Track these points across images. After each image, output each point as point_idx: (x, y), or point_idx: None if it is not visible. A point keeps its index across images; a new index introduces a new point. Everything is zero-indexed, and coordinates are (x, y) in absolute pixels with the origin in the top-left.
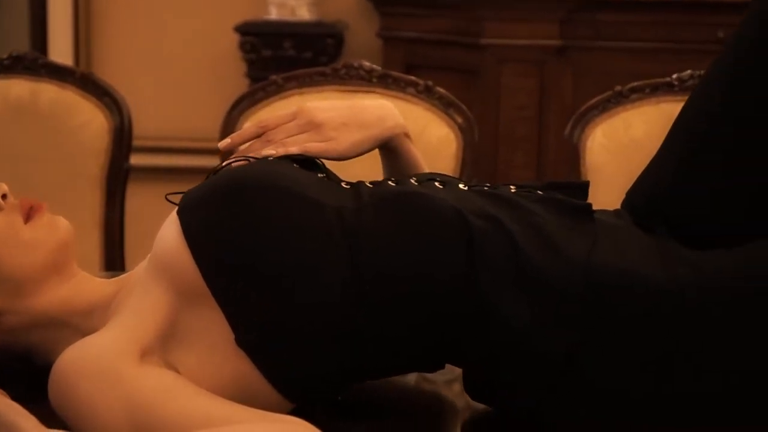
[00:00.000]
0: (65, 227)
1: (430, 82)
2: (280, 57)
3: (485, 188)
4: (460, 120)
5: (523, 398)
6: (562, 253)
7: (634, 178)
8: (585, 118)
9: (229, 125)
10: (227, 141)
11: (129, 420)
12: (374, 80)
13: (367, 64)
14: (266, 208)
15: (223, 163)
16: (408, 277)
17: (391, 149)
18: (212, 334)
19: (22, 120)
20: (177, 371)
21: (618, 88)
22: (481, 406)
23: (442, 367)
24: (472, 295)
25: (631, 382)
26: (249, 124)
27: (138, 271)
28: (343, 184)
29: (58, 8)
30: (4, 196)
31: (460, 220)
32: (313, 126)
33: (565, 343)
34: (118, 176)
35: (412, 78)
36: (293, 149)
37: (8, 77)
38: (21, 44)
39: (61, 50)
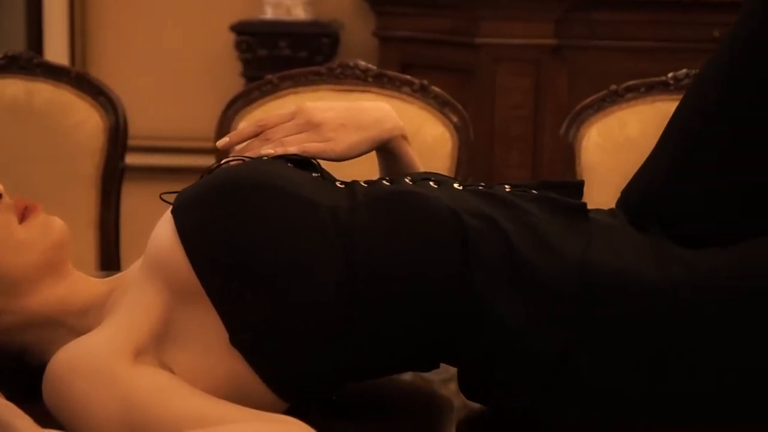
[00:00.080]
0: (60, 227)
1: (425, 82)
2: (276, 56)
3: (480, 188)
4: (455, 119)
5: (518, 397)
6: (557, 252)
7: (629, 178)
8: (580, 117)
9: (224, 125)
10: (225, 140)
11: (123, 420)
12: (369, 80)
13: (362, 63)
14: (261, 208)
15: (218, 163)
16: (402, 277)
17: (388, 151)
18: (206, 333)
19: (18, 120)
20: (171, 371)
21: (613, 87)
22: (476, 405)
23: (437, 367)
24: (466, 294)
25: (626, 382)
26: (245, 124)
27: (132, 270)
28: (337, 184)
29: (53, 8)
30: None
31: (454, 219)
32: (311, 126)
33: (560, 342)
34: (113, 176)
35: (408, 77)
36: (292, 149)
37: (3, 77)
38: (17, 44)
39: (56, 50)
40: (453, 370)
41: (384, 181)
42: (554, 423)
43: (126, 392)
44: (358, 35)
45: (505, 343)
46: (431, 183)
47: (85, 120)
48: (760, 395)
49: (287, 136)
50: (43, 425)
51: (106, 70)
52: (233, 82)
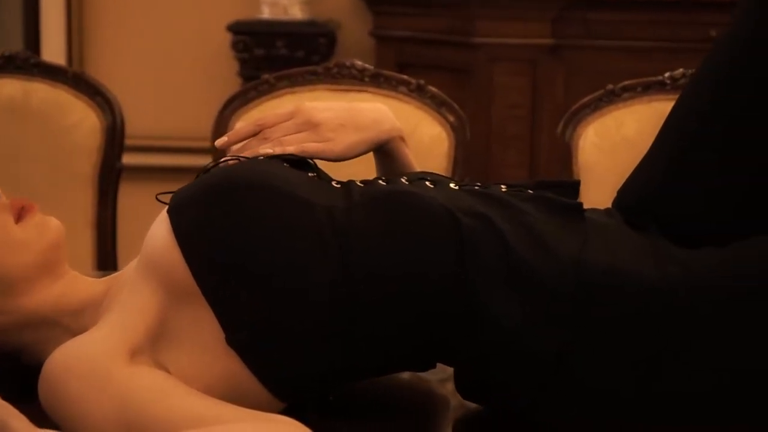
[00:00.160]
0: (56, 227)
1: (422, 81)
2: (273, 56)
3: (476, 187)
4: (452, 119)
5: (514, 397)
6: (553, 252)
7: (626, 177)
8: (577, 117)
9: (221, 124)
10: (224, 139)
11: (120, 420)
12: (366, 79)
13: (359, 63)
14: (257, 208)
15: (213, 162)
16: (398, 277)
17: (386, 152)
18: (202, 333)
19: (15, 119)
20: (167, 371)
21: (610, 86)
22: (473, 405)
23: (434, 366)
24: (462, 294)
25: (622, 381)
26: (242, 123)
27: (128, 270)
28: (333, 184)
29: (51, 8)
30: None
31: (450, 219)
32: (310, 126)
33: (556, 342)
34: (110, 175)
35: (404, 77)
36: (290, 148)
37: (0, 77)
38: (14, 44)
39: (53, 50)
40: (450, 370)
41: (380, 181)
42: (551, 423)
43: (122, 392)
44: (355, 35)
45: (501, 342)
46: (427, 183)
47: (82, 120)
48: (756, 395)
49: (286, 135)
50: (39, 425)
51: (103, 70)
52: (230, 82)
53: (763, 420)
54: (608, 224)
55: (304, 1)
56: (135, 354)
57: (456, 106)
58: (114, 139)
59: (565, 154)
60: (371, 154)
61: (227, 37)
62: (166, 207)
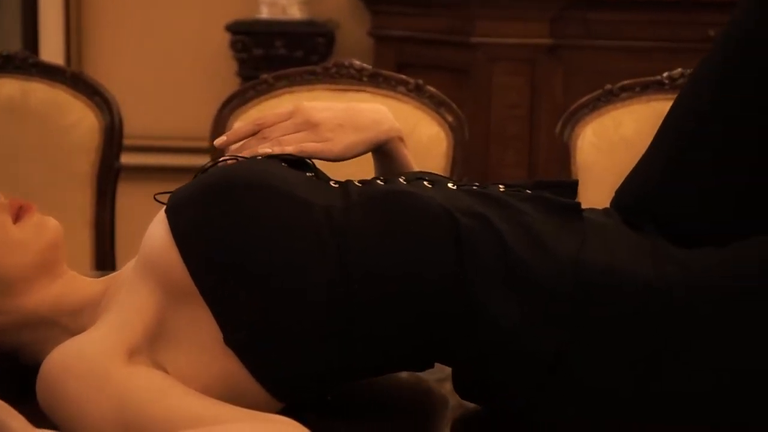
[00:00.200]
0: (54, 227)
1: (420, 81)
2: (271, 56)
3: (474, 187)
4: (450, 119)
5: (512, 397)
6: (551, 251)
7: (624, 177)
8: (575, 117)
9: (219, 124)
10: (223, 138)
11: (117, 419)
12: (365, 79)
13: (357, 63)
14: (255, 207)
15: (211, 162)
16: (396, 277)
17: (385, 153)
18: (200, 333)
19: (13, 119)
20: (165, 371)
21: (608, 86)
22: (471, 405)
23: (432, 366)
24: (461, 294)
25: (620, 381)
26: (240, 123)
27: (126, 270)
28: (331, 183)
29: (49, 8)
30: None
31: (448, 218)
32: (309, 125)
33: (555, 341)
34: (108, 175)
35: (403, 77)
36: (289, 148)
37: None
38: (13, 44)
39: (52, 49)
40: (448, 370)
41: (378, 181)
42: (549, 422)
43: (120, 392)
44: (354, 35)
45: (500, 342)
46: (425, 182)
47: (81, 120)
48: (755, 395)
49: (285, 135)
50: (37, 425)
51: (101, 70)
52: (229, 82)
53: (761, 420)
54: (606, 224)
55: (303, 1)
56: (133, 354)
57: (454, 105)
58: (112, 138)
59: (564, 154)
60: (369, 154)
61: (226, 37)
62: (164, 207)
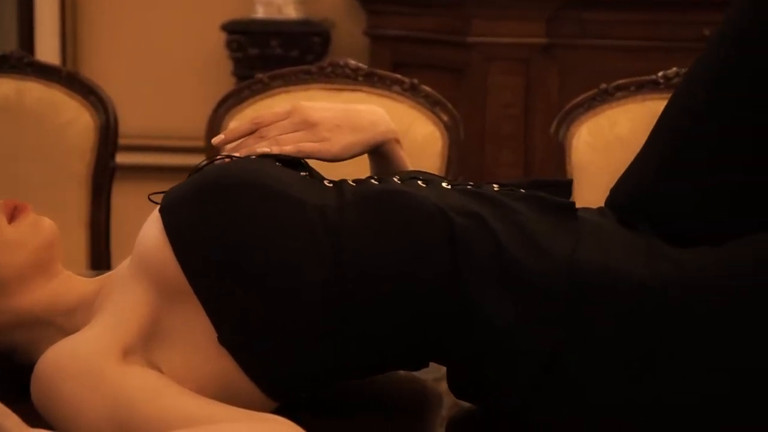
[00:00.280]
0: (49, 227)
1: (415, 81)
2: (267, 55)
3: (468, 187)
4: (445, 118)
5: (507, 396)
6: (546, 251)
7: (619, 176)
8: (570, 116)
9: (214, 124)
10: (220, 137)
11: (112, 419)
12: (360, 78)
13: (352, 62)
14: (251, 207)
15: (205, 161)
16: (391, 276)
17: (381, 154)
18: (194, 332)
19: (8, 119)
20: (159, 370)
21: (603, 86)
22: (466, 404)
23: (426, 366)
24: (455, 293)
25: (615, 380)
26: (236, 123)
27: (121, 269)
28: (325, 183)
29: (45, 7)
30: None
31: (443, 218)
32: (307, 125)
33: (549, 341)
34: (104, 175)
35: (398, 76)
36: (287, 148)
37: None
38: (9, 44)
39: (48, 49)
40: (444, 369)
41: (372, 180)
42: (544, 422)
43: (114, 391)
44: (350, 34)
45: (494, 342)
46: (419, 182)
47: (76, 119)
48: (750, 394)
49: (282, 134)
50: (32, 425)
51: (97, 70)
52: (224, 82)
53: (757, 419)
54: (601, 223)
55: (299, 0)
56: (127, 353)
57: (449, 105)
58: (108, 138)
59: (559, 154)
60: (365, 155)
61: (221, 37)
62: (158, 206)
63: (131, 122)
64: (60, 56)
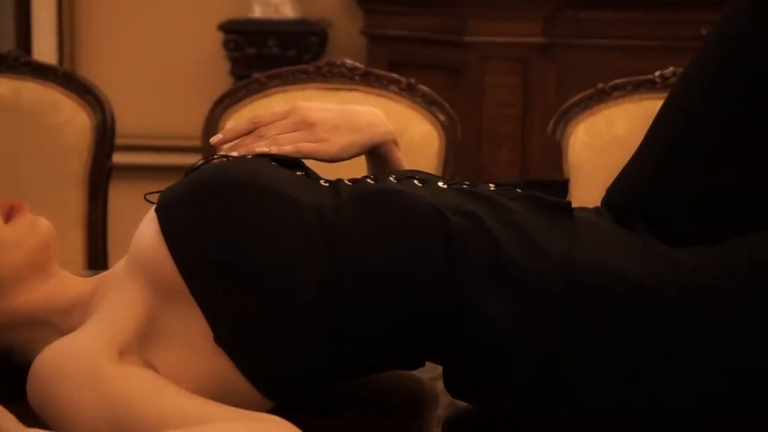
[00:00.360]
0: (46, 227)
1: (412, 80)
2: (264, 55)
3: (464, 186)
4: (442, 117)
5: (503, 396)
6: (542, 251)
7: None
8: (567, 116)
9: (211, 123)
10: (219, 136)
11: (108, 419)
12: (357, 78)
13: (349, 62)
14: (248, 207)
15: (202, 161)
16: (387, 275)
17: (379, 155)
18: (190, 332)
19: (5, 119)
20: (156, 370)
21: (600, 85)
22: (463, 403)
23: (423, 365)
24: (451, 293)
25: (611, 380)
26: (233, 122)
27: (117, 269)
28: (321, 182)
29: (42, 7)
30: None
31: (439, 217)
32: (305, 125)
33: (546, 341)
34: (100, 174)
35: (395, 76)
36: (286, 148)
37: None
38: (5, 43)
39: (45, 49)
40: (440, 368)
41: (368, 180)
42: (540, 422)
43: (111, 391)
44: (347, 34)
45: (491, 341)
46: (415, 181)
47: (73, 119)
48: (746, 394)
49: (281, 133)
50: (28, 424)
51: (94, 69)
52: (221, 81)
53: (753, 419)
54: (597, 223)
55: None
56: (123, 353)
57: (446, 104)
58: (104, 138)
59: (556, 153)
60: (362, 157)
61: (219, 36)
62: (154, 206)
63: (128, 122)
64: (57, 56)
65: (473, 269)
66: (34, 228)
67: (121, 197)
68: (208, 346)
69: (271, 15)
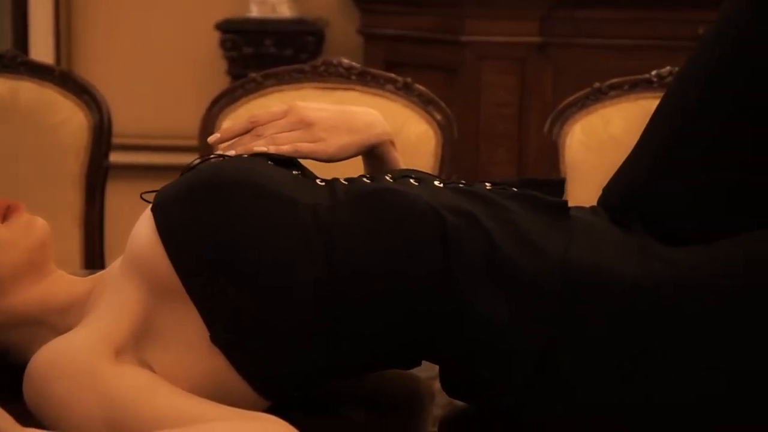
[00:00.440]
0: (42, 227)
1: (408, 79)
2: (261, 54)
3: (460, 185)
4: (439, 117)
5: (500, 395)
6: (539, 250)
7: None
8: (564, 115)
9: (208, 123)
10: (216, 136)
11: (104, 418)
12: (353, 77)
13: (345, 61)
14: (244, 206)
15: (198, 160)
16: (383, 275)
17: (376, 156)
18: (186, 331)
19: (2, 118)
20: (152, 369)
21: (597, 84)
22: (459, 402)
23: (419, 364)
24: (447, 292)
25: (607, 380)
26: (229, 122)
27: (113, 268)
28: (318, 181)
29: (39, 7)
30: None
31: (435, 216)
32: (303, 125)
33: (542, 340)
34: (97, 174)
35: (391, 75)
36: (284, 147)
37: None
38: (2, 43)
39: (42, 48)
40: (437, 367)
41: (364, 179)
42: (536, 421)
43: (107, 391)
44: (344, 33)
45: (487, 341)
46: (412, 180)
47: (69, 118)
48: (743, 394)
49: (279, 133)
50: (25, 424)
51: (91, 69)
52: (218, 81)
53: (750, 418)
54: (594, 222)
55: None
56: (119, 352)
57: (443, 104)
58: (101, 137)
59: (553, 153)
60: (359, 158)
61: (215, 36)
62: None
63: (125, 121)
64: (54, 55)
65: (469, 268)
66: (31, 227)
67: (118, 197)
68: (204, 345)
69: (268, 14)
